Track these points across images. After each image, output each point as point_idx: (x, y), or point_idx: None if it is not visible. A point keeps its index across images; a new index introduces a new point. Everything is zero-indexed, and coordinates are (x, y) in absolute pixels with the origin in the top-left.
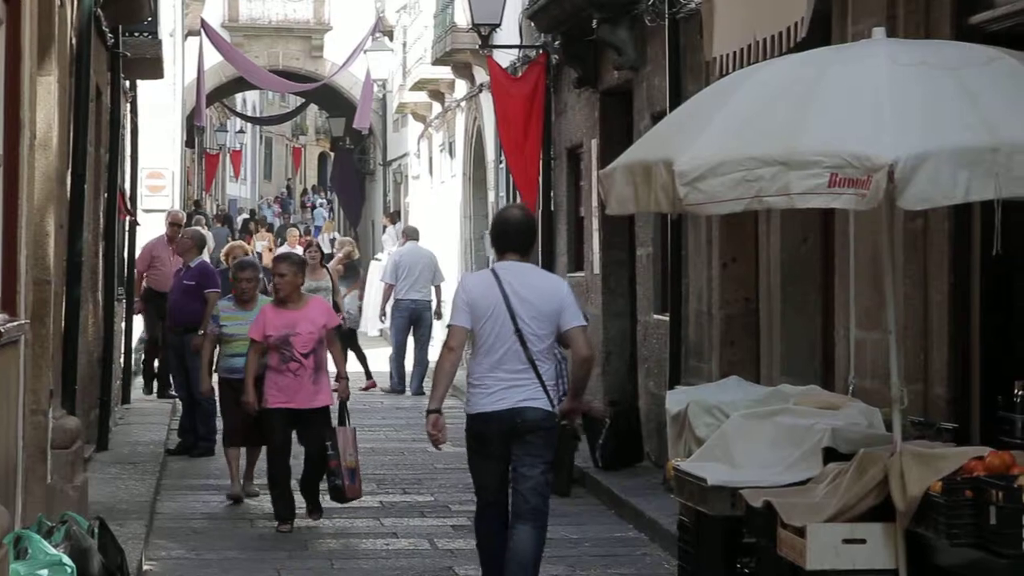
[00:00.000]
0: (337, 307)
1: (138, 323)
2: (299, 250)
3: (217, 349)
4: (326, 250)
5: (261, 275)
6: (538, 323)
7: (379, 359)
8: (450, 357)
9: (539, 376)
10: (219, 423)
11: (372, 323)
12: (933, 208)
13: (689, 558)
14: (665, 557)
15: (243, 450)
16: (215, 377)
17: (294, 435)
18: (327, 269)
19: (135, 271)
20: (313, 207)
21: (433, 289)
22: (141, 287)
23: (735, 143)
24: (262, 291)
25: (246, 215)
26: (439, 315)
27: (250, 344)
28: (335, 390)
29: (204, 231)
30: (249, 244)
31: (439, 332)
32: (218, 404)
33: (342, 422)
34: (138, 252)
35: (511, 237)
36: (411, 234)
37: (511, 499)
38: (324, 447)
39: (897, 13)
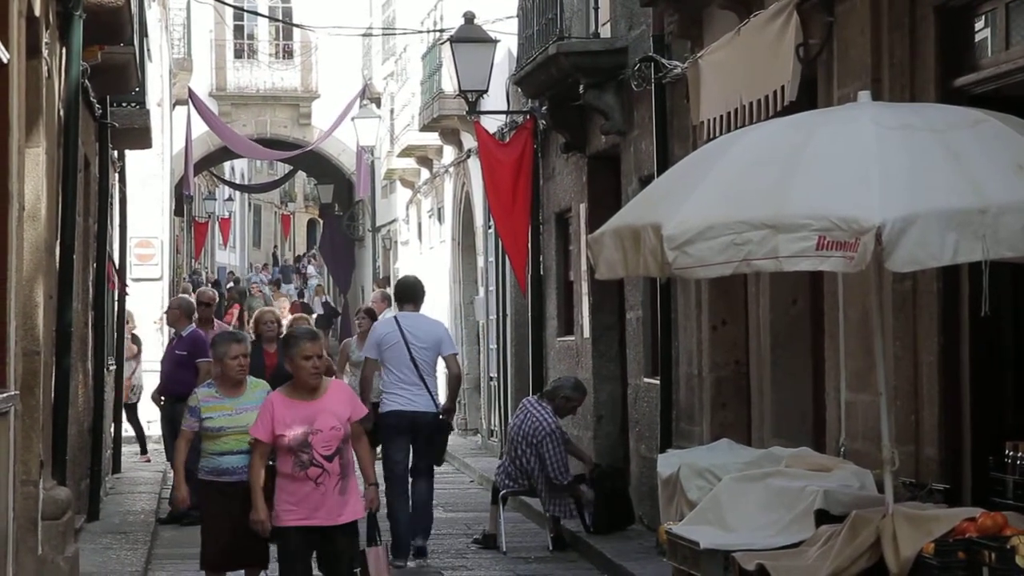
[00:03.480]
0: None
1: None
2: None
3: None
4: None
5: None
6: (425, 352)
7: None
8: (367, 381)
9: (428, 389)
10: None
11: None
12: (922, 270)
13: None
14: None
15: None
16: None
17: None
18: None
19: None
20: (305, 274)
21: None
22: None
23: (723, 207)
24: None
25: (231, 283)
26: None
27: (254, 446)
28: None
29: (191, 297)
30: (230, 316)
31: None
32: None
33: (372, 541)
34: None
35: (408, 295)
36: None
37: (411, 469)
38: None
39: (882, 76)
